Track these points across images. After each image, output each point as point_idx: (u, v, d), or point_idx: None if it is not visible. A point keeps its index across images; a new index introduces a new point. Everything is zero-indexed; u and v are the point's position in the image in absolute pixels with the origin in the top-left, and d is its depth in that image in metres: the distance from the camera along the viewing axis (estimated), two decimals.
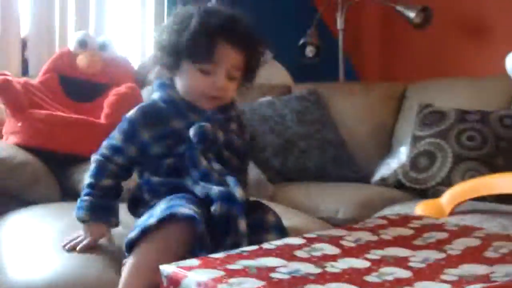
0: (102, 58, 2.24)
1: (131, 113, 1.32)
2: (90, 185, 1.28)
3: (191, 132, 1.27)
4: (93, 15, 2.56)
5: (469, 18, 2.97)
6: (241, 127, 1.41)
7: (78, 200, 1.29)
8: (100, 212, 1.28)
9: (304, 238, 1.01)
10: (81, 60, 2.20)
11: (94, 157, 1.31)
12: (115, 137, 1.31)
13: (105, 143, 1.32)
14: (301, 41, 2.96)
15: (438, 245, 1.00)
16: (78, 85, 2.19)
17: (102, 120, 2.02)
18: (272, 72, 2.69)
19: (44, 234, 1.40)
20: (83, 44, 2.23)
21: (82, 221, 1.28)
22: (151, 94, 1.40)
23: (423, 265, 0.88)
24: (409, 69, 3.10)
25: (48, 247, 1.32)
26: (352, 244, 0.98)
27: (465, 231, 1.11)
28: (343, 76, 3.05)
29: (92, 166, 1.31)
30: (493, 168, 1.99)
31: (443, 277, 0.82)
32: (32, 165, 1.86)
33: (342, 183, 2.25)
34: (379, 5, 3.08)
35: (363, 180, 2.30)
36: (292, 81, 2.81)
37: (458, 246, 1.00)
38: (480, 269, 0.86)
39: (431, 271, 0.85)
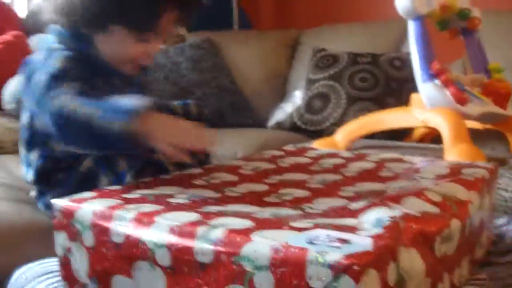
0: None
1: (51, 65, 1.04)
2: None
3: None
4: None
5: None
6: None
7: None
8: None
9: (202, 168, 1.00)
10: None
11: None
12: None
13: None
14: None
15: (335, 169, 1.01)
16: None
17: None
18: None
19: None
20: None
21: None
22: (46, 41, 1.13)
23: (320, 186, 0.89)
24: (304, 16, 3.12)
25: None
26: (250, 172, 0.98)
27: (360, 156, 1.13)
28: (237, 25, 3.03)
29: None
30: (385, 107, 2.05)
31: (341, 193, 0.83)
32: None
33: (239, 128, 2.26)
34: None
35: (259, 125, 2.31)
36: (186, 31, 2.76)
37: (353, 169, 1.02)
38: (375, 186, 0.88)
39: (329, 190, 0.86)
